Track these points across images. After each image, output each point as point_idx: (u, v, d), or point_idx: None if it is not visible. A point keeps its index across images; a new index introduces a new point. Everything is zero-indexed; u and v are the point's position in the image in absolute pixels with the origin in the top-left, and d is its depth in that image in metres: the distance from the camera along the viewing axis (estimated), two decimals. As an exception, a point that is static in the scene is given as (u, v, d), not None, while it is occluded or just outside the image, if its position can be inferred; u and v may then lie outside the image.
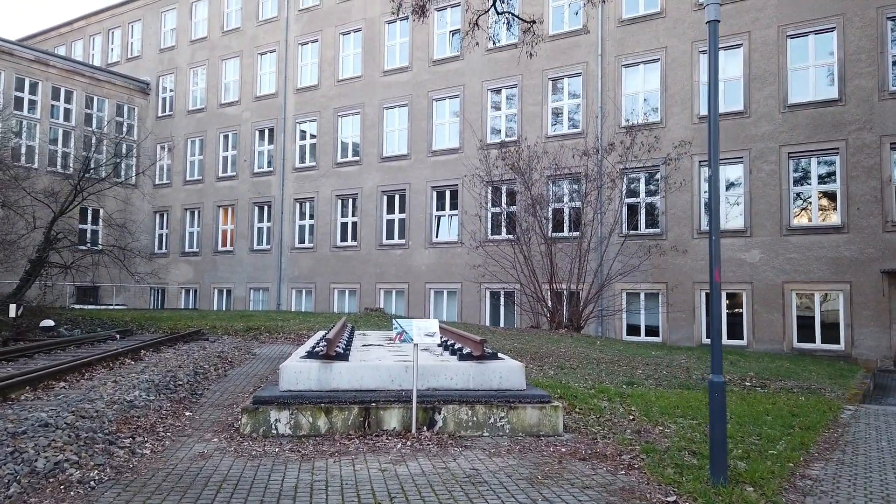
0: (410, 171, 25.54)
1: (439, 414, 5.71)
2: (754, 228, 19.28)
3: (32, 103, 29.87)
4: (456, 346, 6.86)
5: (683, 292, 19.92)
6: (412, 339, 5.48)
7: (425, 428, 5.71)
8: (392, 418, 5.67)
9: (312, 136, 28.61)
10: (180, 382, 7.68)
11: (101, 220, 31.30)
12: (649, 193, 20.94)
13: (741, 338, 19.40)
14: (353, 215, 27.08)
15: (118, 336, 13.09)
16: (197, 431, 5.85)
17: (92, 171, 18.67)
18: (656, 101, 21.08)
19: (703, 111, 20.32)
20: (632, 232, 20.17)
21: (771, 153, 19.24)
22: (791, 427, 6.68)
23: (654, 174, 20.66)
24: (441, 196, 25.01)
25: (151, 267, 20.95)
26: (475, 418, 5.73)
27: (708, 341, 19.55)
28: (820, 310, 18.66)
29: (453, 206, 24.55)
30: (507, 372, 6.06)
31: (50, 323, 14.07)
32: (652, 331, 20.72)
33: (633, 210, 20.93)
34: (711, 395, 4.68)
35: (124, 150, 20.62)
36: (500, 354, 6.48)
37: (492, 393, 5.95)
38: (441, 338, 7.33)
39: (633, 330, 21.02)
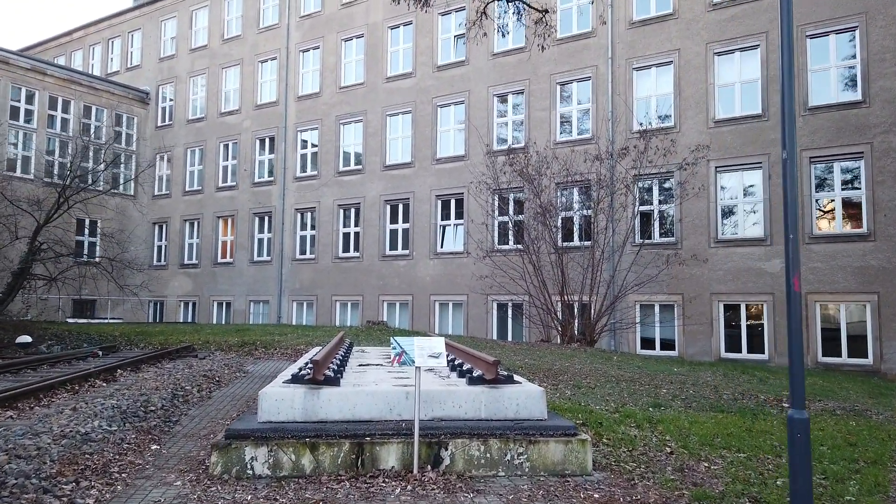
0: (414, 179, 24.74)
1: (446, 450, 4.81)
2: (774, 237, 18.35)
3: (29, 113, 29.29)
4: (465, 367, 5.95)
5: (700, 304, 18.98)
6: (413, 362, 4.61)
7: (429, 467, 4.81)
8: (390, 455, 4.78)
9: (314, 145, 27.88)
10: (153, 408, 6.78)
11: (98, 231, 30.64)
12: (663, 201, 20.06)
13: (762, 352, 18.45)
14: (355, 225, 26.28)
15: (100, 353, 12.23)
16: (159, 471, 4.95)
17: (77, 178, 17.88)
18: (669, 104, 20.26)
19: (720, 114, 19.50)
20: (646, 241, 19.26)
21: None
22: (855, 461, 5.77)
23: (667, 180, 19.81)
24: (446, 205, 24.18)
25: (142, 279, 20.11)
26: (488, 455, 4.84)
27: (728, 356, 18.63)
28: (846, 322, 17.69)
29: (458, 216, 23.71)
30: (525, 398, 5.16)
31: (27, 339, 13.21)
32: (667, 344, 19.78)
33: (646, 218, 20.05)
34: (792, 435, 3.77)
35: (114, 158, 19.67)
36: (516, 377, 5.58)
37: (508, 424, 5.04)
38: (448, 356, 6.45)
39: (647, 343, 20.09)
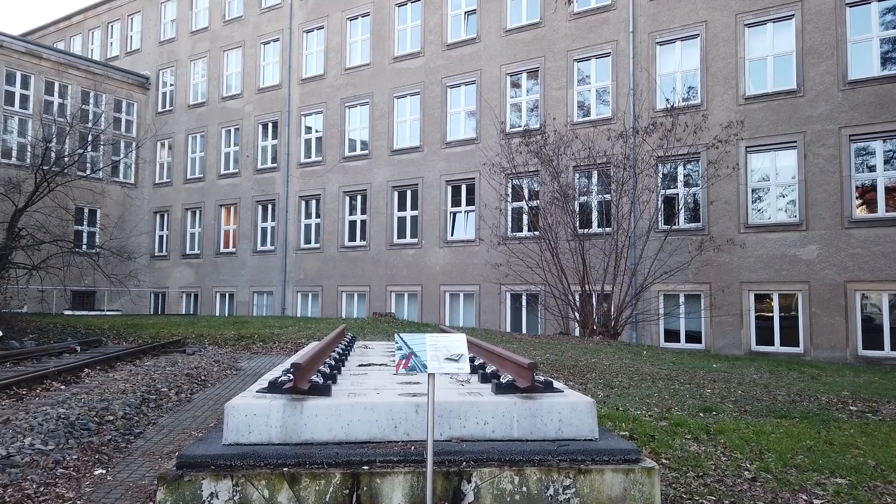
0: (423, 164, 23.55)
1: (468, 482, 3.65)
2: (811, 221, 17.06)
3: (24, 98, 28.28)
4: (489, 370, 4.78)
5: (730, 294, 17.73)
6: (425, 367, 3.45)
7: (447, 505, 3.67)
8: (395, 490, 3.62)
9: (318, 130, 26.72)
10: (111, 418, 5.64)
11: (98, 220, 29.68)
12: (688, 184, 18.76)
13: (797, 344, 17.19)
14: (361, 213, 25.13)
15: (78, 348, 11.16)
16: (93, 509, 3.83)
17: (63, 159, 16.75)
18: (695, 81, 18.94)
19: (750, 90, 18.18)
20: (671, 227, 17.95)
21: (829, 136, 17.02)
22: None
23: (693, 161, 18.53)
24: (456, 191, 22.98)
25: (130, 268, 19.00)
26: (524, 489, 3.67)
27: (759, 349, 17.42)
28: (889, 312, 16.39)
29: (470, 202, 22.51)
30: (570, 412, 3.97)
31: (-3, 333, 12.20)
32: (693, 337, 18.57)
33: (669, 203, 18.77)
34: None
35: (94, 138, 18.37)
36: (556, 384, 4.39)
37: (548, 446, 3.86)
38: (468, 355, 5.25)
39: (671, 336, 18.88)
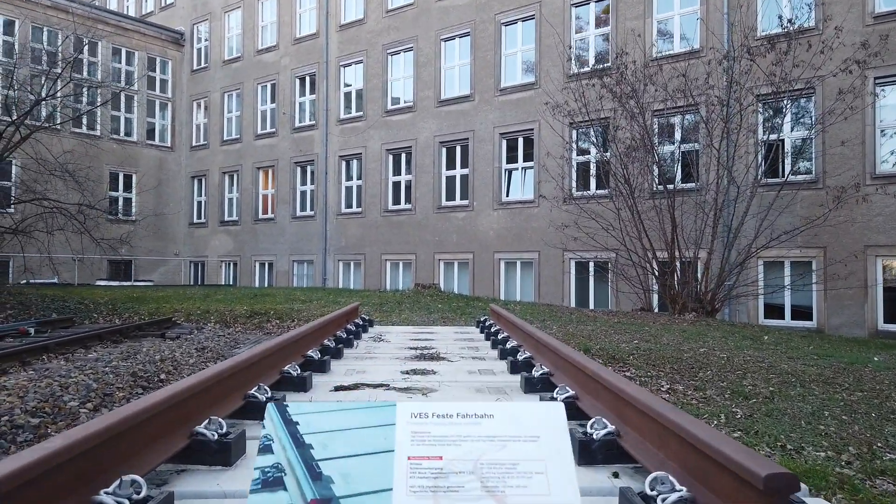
0: (474, 115, 20.65)
1: None
2: (962, 169, 13.48)
3: (52, 56, 26.61)
4: (601, 433, 1.96)
5: (851, 261, 14.34)
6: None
7: None
8: None
9: (357, 84, 24.08)
10: None
11: (133, 186, 28.13)
12: (801, 124, 15.25)
13: (935, 324, 13.77)
14: (406, 173, 22.50)
15: (32, 330, 8.96)
16: None
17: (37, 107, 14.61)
18: (809, -1, 15.31)
19: (881, 7, 14.48)
20: (786, 179, 14.48)
21: None
22: None
23: (805, 97, 15.03)
24: (512, 145, 20.04)
25: (120, 232, 16.83)
26: None
27: (888, 328, 14.07)
28: None
29: (527, 158, 19.56)
30: None
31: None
32: (801, 313, 15.33)
33: (773, 150, 15.34)
34: None
35: (54, 79, 16.03)
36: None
37: None
38: (555, 382, 2.47)
39: (772, 311, 15.68)
